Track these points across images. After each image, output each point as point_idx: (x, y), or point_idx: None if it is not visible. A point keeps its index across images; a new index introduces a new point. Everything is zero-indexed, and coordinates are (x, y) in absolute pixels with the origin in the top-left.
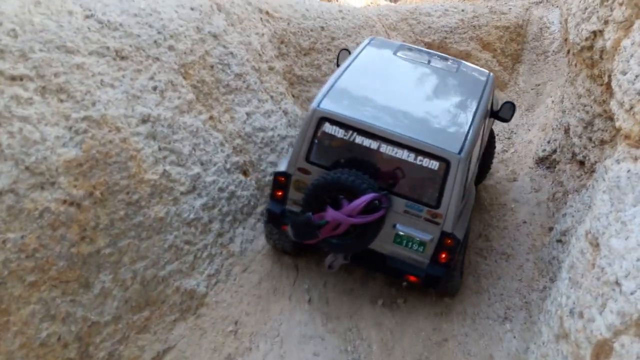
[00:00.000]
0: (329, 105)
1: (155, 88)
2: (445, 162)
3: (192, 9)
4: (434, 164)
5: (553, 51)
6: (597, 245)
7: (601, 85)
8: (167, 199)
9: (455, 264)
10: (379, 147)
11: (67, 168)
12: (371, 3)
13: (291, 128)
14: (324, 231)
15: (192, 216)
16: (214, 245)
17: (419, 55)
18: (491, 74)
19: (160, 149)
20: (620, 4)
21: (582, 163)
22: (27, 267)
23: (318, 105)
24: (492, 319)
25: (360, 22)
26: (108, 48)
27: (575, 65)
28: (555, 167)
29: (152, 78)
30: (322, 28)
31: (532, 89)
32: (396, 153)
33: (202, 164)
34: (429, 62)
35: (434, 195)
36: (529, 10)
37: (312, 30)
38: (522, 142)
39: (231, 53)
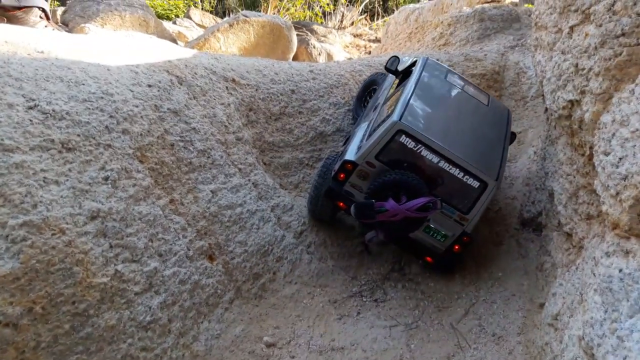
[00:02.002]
0: (407, 120)
1: (106, 178)
2: (484, 183)
3: (149, 86)
4: (475, 183)
5: (532, 96)
6: (593, 356)
7: (583, 155)
8: (119, 302)
9: (462, 252)
10: (438, 161)
11: (1, 284)
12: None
13: (262, 201)
14: (381, 216)
15: (148, 318)
16: (175, 348)
17: (462, 82)
18: (509, 110)
19: (111, 246)
20: (597, 75)
21: (569, 235)
22: None
23: (399, 119)
24: None
25: (332, 82)
26: (52, 140)
27: (555, 127)
28: (541, 232)
29: (102, 168)
30: (293, 91)
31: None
32: (449, 168)
33: (160, 255)
34: (468, 90)
35: (467, 205)
36: (505, 56)
37: (282, 95)
38: (506, 198)
39: (194, 129)
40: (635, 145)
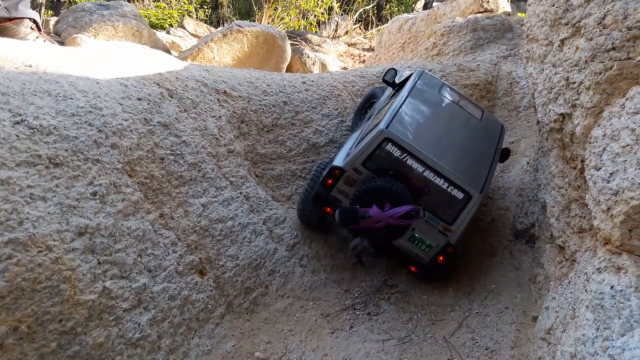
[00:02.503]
0: (394, 129)
1: (94, 194)
2: (468, 195)
3: (139, 99)
4: (460, 194)
5: (524, 106)
6: None
7: (575, 168)
8: (107, 319)
9: (447, 262)
10: (423, 171)
11: None
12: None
13: (254, 214)
14: (364, 222)
15: (137, 335)
16: None
17: (456, 96)
18: (503, 126)
19: (99, 263)
20: (587, 88)
21: (561, 248)
22: None
23: (386, 127)
24: None
25: (325, 93)
26: (40, 156)
27: (547, 139)
28: (534, 243)
29: (91, 183)
30: (285, 103)
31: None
32: (434, 178)
33: (149, 271)
34: (463, 105)
35: (452, 216)
36: (498, 66)
37: (274, 106)
38: (499, 209)
39: (184, 142)
40: (626, 160)
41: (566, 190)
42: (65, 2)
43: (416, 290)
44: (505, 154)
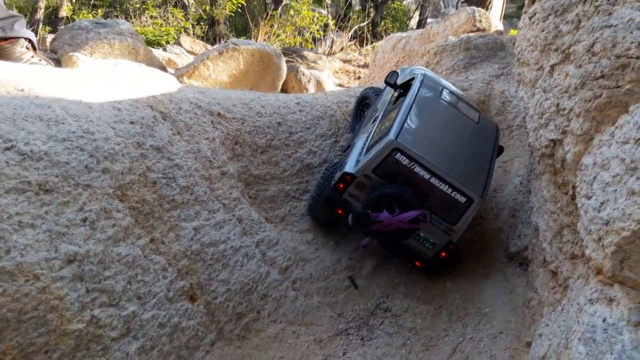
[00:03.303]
0: (402, 139)
1: (84, 220)
2: (470, 199)
3: (132, 122)
4: (462, 198)
5: (517, 125)
6: None
7: (566, 194)
8: (95, 349)
9: (448, 257)
10: (429, 178)
11: None
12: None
13: (246, 236)
14: (376, 226)
15: None
16: None
17: (455, 99)
18: (498, 126)
19: (88, 291)
20: (577, 115)
21: (554, 273)
22: None
23: (395, 138)
24: None
25: (318, 113)
26: (29, 182)
27: (539, 163)
28: (527, 266)
29: (81, 209)
30: (279, 124)
31: (499, 167)
32: (439, 184)
33: (139, 298)
34: (462, 109)
35: (455, 217)
36: (490, 85)
37: (268, 127)
38: (493, 229)
39: (177, 165)
40: (616, 190)
41: (558, 215)
42: (63, 18)
43: (410, 314)
44: (499, 151)
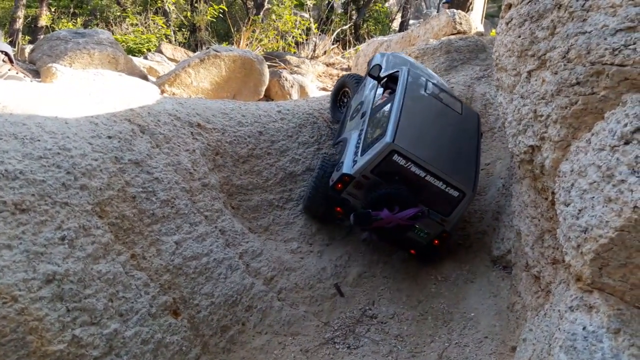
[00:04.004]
0: (398, 141)
1: (63, 238)
2: (463, 193)
3: (109, 137)
4: (455, 193)
5: (499, 127)
6: None
7: (546, 199)
8: None
9: (441, 245)
10: (425, 175)
11: None
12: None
13: (230, 248)
14: (377, 223)
15: None
16: None
17: (439, 90)
18: (479, 115)
19: (68, 310)
20: (555, 122)
21: (537, 277)
22: None
23: (392, 141)
24: None
25: (300, 121)
26: (5, 202)
27: (519, 167)
28: (511, 269)
29: (59, 227)
30: (260, 133)
31: (482, 169)
32: (434, 181)
33: (121, 315)
34: (446, 100)
35: (448, 210)
36: (472, 87)
37: (249, 137)
38: (477, 233)
39: (156, 178)
40: (593, 197)
41: (539, 220)
42: (43, 27)
43: (395, 320)
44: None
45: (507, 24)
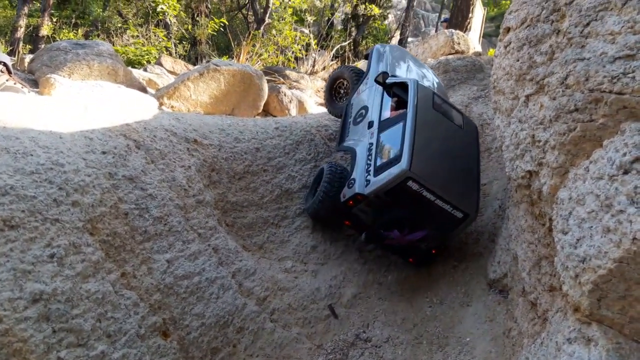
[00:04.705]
0: (414, 168)
1: (52, 256)
2: (467, 215)
3: (103, 152)
4: (460, 214)
5: (496, 148)
6: None
7: (543, 225)
8: None
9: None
10: (435, 200)
11: None
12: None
13: (222, 267)
14: (388, 241)
15: None
16: None
17: (446, 106)
18: (477, 127)
19: (54, 331)
20: (553, 148)
21: (533, 304)
22: None
23: (409, 168)
24: None
25: (298, 138)
26: None
27: (516, 192)
28: (507, 293)
29: (49, 245)
30: (257, 149)
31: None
32: (442, 204)
33: (108, 336)
34: (451, 116)
35: (451, 228)
36: (469, 107)
37: (246, 153)
38: (473, 254)
39: (150, 195)
40: (592, 227)
41: (536, 246)
42: (44, 37)
43: (390, 344)
44: None
45: (505, 47)
